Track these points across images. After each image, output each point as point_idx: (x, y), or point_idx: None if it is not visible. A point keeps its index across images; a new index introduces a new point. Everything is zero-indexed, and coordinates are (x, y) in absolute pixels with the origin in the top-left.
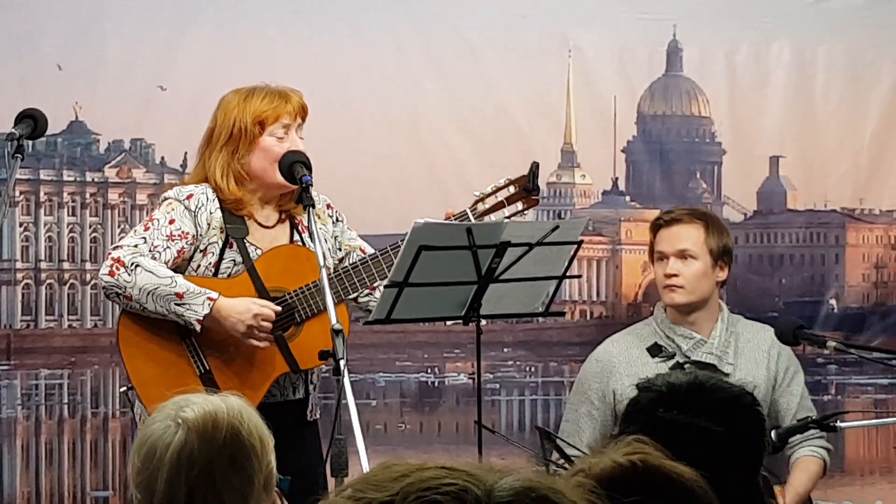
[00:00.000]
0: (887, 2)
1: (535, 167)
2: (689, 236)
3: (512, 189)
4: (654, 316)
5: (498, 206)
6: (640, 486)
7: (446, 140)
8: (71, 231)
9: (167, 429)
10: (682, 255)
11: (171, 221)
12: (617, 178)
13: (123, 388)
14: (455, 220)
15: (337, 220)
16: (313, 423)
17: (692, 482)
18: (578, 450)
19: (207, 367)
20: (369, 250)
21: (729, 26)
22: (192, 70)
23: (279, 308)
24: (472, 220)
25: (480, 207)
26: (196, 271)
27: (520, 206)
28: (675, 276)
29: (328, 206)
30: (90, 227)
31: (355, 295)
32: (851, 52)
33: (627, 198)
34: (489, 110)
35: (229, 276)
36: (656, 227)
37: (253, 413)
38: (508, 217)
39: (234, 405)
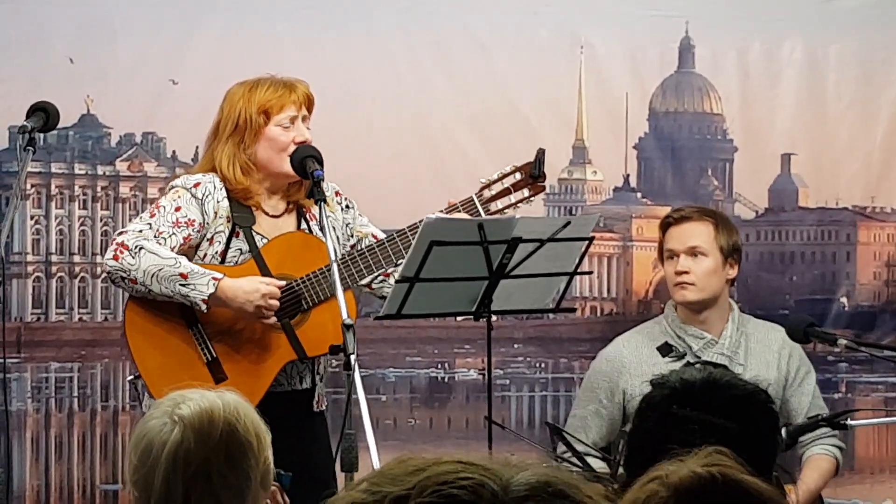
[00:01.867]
0: None
1: (541, 154)
2: (699, 234)
3: (518, 176)
4: (665, 314)
5: (504, 193)
6: (719, 499)
7: (457, 137)
8: (82, 224)
9: (164, 426)
10: (693, 252)
11: (178, 209)
12: (628, 175)
13: (131, 377)
14: (461, 207)
15: (347, 206)
16: (320, 414)
17: (771, 499)
18: (587, 445)
19: (215, 355)
20: (381, 236)
21: (741, 24)
22: (202, 64)
23: (282, 283)
24: (479, 207)
25: (486, 194)
26: (203, 260)
27: (526, 192)
28: (686, 273)
29: (336, 194)
30: (101, 220)
31: (368, 280)
32: (863, 52)
33: (639, 194)
34: (500, 107)
35: (236, 264)
36: (666, 225)
37: (250, 409)
38: (515, 203)
39: (231, 401)
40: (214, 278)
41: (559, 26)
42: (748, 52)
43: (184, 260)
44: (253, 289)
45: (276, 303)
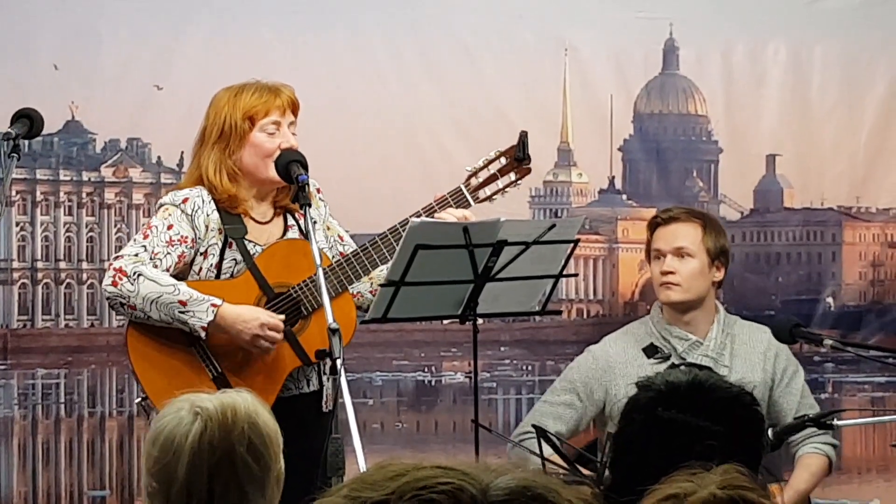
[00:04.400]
0: (883, 3)
1: (523, 136)
2: (686, 235)
3: (503, 161)
4: (651, 315)
5: (491, 179)
6: None
7: (442, 141)
8: (67, 230)
9: (184, 419)
10: (679, 252)
11: (170, 227)
12: (613, 177)
13: (139, 399)
14: (450, 198)
15: (325, 203)
16: (328, 414)
17: None
18: (563, 441)
19: (220, 370)
20: (346, 239)
21: (725, 25)
22: (188, 69)
23: (283, 317)
24: (468, 196)
25: (474, 182)
26: (198, 274)
27: (513, 176)
28: (672, 273)
29: (318, 190)
30: (87, 226)
31: (361, 288)
32: (847, 52)
33: (624, 196)
34: (485, 111)
35: (231, 275)
36: (654, 225)
37: (266, 407)
38: (503, 189)
39: (249, 398)
40: (213, 305)
41: (544, 29)
42: (732, 53)
43: (182, 286)
44: (252, 317)
45: (274, 334)
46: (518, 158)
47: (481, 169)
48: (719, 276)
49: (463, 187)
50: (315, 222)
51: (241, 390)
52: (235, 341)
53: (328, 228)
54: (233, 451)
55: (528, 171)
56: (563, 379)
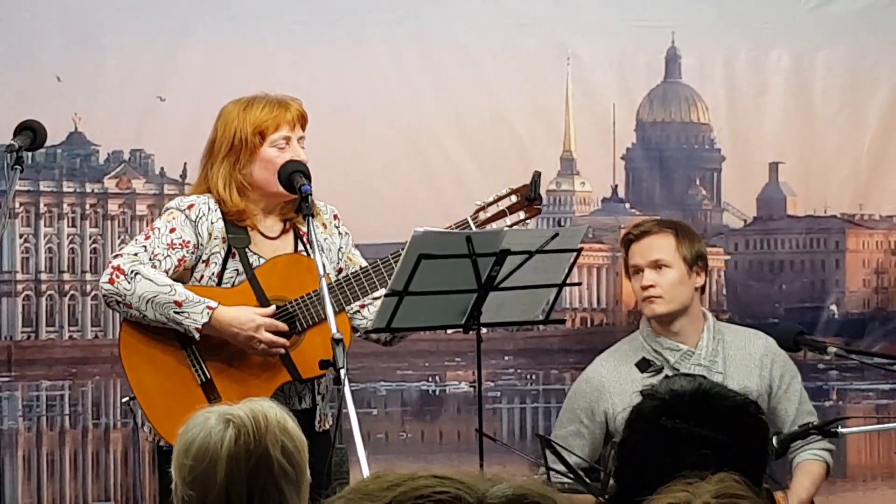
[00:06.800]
0: (886, 8)
1: (536, 177)
2: (660, 246)
3: (514, 198)
4: (640, 330)
5: (500, 215)
6: None
7: (446, 148)
8: (71, 242)
9: (214, 427)
10: (656, 265)
11: (172, 230)
12: (616, 186)
13: (126, 399)
14: (456, 228)
15: (345, 233)
16: (322, 434)
17: None
18: (581, 458)
19: (209, 376)
20: None
21: (727, 33)
22: (191, 80)
23: (282, 324)
24: (474, 229)
25: (482, 216)
26: (199, 281)
27: (521, 215)
28: (652, 286)
29: (335, 217)
30: (90, 237)
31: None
32: (850, 58)
33: (627, 205)
34: (488, 118)
35: (232, 285)
36: (627, 242)
37: (291, 415)
38: (510, 226)
39: (275, 406)
40: (209, 307)
41: (546, 37)
42: (735, 60)
43: (179, 287)
44: (248, 319)
45: (270, 336)
46: (529, 198)
47: (491, 204)
48: (700, 281)
49: (470, 220)
50: (318, 228)
51: (263, 400)
52: (231, 343)
53: (349, 259)
54: (268, 455)
55: (539, 211)
56: (566, 410)
